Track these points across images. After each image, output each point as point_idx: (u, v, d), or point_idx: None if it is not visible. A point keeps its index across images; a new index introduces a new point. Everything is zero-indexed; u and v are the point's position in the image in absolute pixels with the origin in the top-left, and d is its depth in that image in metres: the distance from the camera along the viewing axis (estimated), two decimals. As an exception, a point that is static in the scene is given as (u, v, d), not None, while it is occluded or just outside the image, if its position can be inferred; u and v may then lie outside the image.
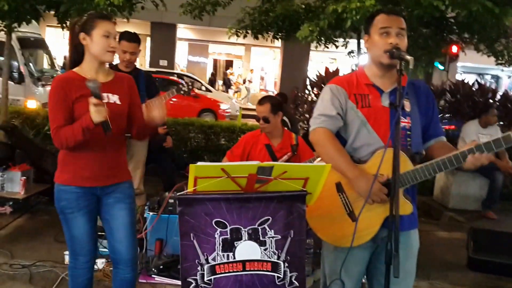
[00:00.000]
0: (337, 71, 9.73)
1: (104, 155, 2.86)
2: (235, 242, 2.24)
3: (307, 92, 11.73)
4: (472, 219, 6.63)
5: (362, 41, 8.08)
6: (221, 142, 7.95)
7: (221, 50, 26.87)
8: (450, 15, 7.08)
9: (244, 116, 11.75)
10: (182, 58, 25.57)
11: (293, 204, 2.28)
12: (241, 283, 2.26)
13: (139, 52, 4.81)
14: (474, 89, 10.06)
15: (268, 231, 2.26)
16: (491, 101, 9.66)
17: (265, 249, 2.27)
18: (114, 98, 2.88)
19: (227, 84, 26.18)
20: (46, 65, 13.26)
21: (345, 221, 2.42)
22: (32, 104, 10.33)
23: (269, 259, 2.28)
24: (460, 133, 7.32)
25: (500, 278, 4.78)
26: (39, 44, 12.83)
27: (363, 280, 2.69)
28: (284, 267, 2.29)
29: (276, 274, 2.29)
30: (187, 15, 8.79)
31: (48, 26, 19.75)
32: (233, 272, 2.25)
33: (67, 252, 3.50)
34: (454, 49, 9.16)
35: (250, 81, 25.18)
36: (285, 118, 4.97)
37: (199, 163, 2.13)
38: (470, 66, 22.98)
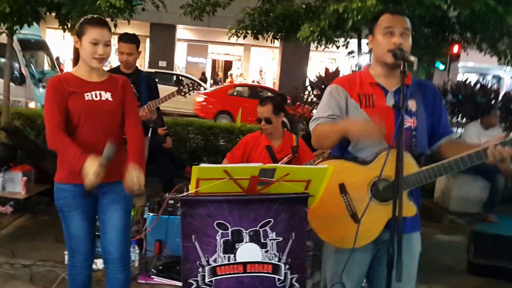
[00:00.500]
0: (337, 71, 9.69)
1: (97, 153, 2.85)
2: (236, 244, 2.24)
3: (306, 93, 11.71)
4: (473, 222, 6.57)
5: (362, 41, 8.07)
6: (220, 143, 7.93)
7: (220, 51, 26.88)
8: (452, 14, 7.06)
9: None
10: (181, 58, 25.57)
11: (295, 206, 2.28)
12: (242, 284, 2.26)
13: (139, 53, 4.77)
14: (476, 90, 10.03)
15: (270, 233, 2.26)
16: (493, 102, 9.64)
17: (266, 251, 2.27)
18: (107, 95, 2.93)
19: (217, 84, 26.06)
20: (47, 66, 13.29)
21: (348, 222, 2.41)
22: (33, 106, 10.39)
23: (270, 261, 2.27)
24: (461, 134, 7.30)
25: (500, 283, 4.70)
26: (40, 45, 12.88)
27: (363, 284, 2.68)
28: (285, 269, 2.29)
29: (277, 276, 2.29)
30: (188, 16, 8.78)
31: (48, 27, 19.77)
32: (234, 273, 2.25)
33: (67, 252, 3.52)
34: (455, 49, 9.14)
35: (258, 83, 25.16)
36: (284, 119, 4.95)
37: (202, 165, 2.13)
38: (472, 66, 22.94)
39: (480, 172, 6.67)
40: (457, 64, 16.67)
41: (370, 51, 2.64)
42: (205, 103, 16.15)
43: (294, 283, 2.30)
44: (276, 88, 21.65)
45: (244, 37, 9.15)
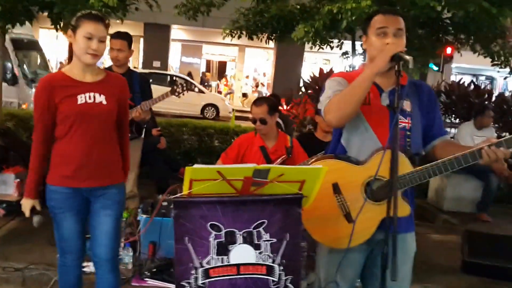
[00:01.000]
0: (331, 72, 9.71)
1: (89, 157, 2.86)
2: (229, 246, 2.22)
3: (301, 93, 11.72)
4: (467, 221, 6.61)
5: (356, 42, 8.06)
6: (214, 144, 7.91)
7: (215, 51, 26.83)
8: (446, 15, 7.06)
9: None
10: (175, 59, 25.51)
11: (289, 207, 2.27)
12: (235, 286, 2.24)
13: (130, 52, 4.74)
14: (469, 90, 10.08)
15: (264, 234, 2.25)
16: (486, 102, 9.68)
17: (260, 253, 2.25)
18: (101, 98, 2.89)
19: (204, 84, 25.92)
20: (39, 66, 13.23)
21: (341, 222, 2.40)
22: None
23: (264, 263, 2.26)
24: (455, 135, 7.32)
25: (495, 282, 4.71)
26: (33, 45, 12.82)
27: (357, 284, 2.67)
28: (279, 270, 2.28)
29: (271, 278, 2.27)
30: (182, 16, 8.76)
31: (41, 27, 19.69)
32: (228, 275, 2.23)
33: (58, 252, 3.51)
34: (448, 50, 9.16)
35: (262, 84, 25.07)
36: (279, 119, 4.95)
37: (195, 166, 2.11)
38: (465, 67, 23.04)
39: (473, 172, 6.69)
40: (451, 65, 16.72)
41: (364, 51, 2.62)
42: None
43: (289, 284, 2.29)
44: (270, 90, 21.65)
45: (239, 37, 9.14)
